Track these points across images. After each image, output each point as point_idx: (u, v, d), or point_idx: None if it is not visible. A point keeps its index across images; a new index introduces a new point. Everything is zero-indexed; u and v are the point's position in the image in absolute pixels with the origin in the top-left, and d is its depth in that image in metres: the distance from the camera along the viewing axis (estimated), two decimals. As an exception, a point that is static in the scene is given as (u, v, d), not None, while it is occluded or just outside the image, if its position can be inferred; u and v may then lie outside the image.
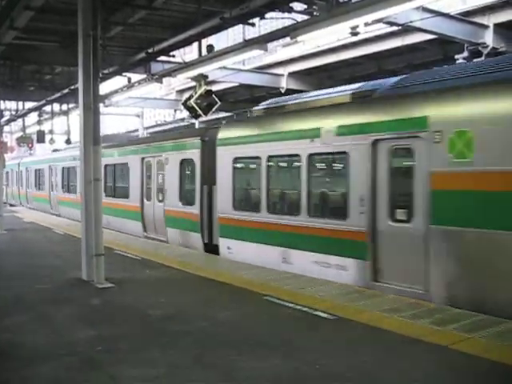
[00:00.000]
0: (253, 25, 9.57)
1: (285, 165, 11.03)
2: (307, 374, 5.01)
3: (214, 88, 21.67)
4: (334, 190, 9.81)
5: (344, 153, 8.91)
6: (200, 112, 10.88)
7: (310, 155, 9.55)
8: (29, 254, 12.87)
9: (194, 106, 10.77)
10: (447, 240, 7.32)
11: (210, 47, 10.40)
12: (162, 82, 13.17)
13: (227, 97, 24.58)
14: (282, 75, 21.45)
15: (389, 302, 7.55)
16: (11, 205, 30.52)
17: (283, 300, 7.70)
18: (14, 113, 21.78)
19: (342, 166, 9.39)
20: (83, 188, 8.88)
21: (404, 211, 8.05)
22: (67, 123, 22.23)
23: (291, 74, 21.48)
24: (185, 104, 11.07)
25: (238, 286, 8.73)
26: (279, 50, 20.44)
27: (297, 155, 9.78)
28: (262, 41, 9.61)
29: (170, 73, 12.02)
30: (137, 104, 24.95)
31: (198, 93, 10.80)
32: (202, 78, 10.96)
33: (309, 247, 9.65)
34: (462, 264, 7.20)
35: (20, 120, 22.98)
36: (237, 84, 22.18)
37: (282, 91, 21.26)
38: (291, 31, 9.02)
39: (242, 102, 25.33)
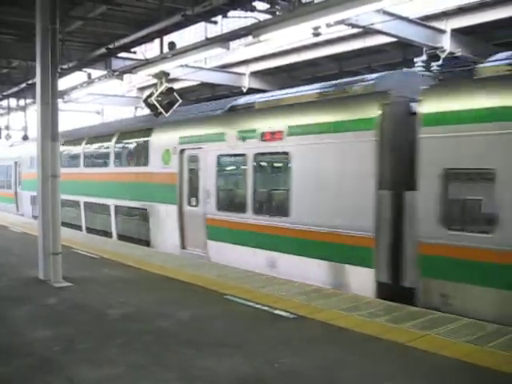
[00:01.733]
0: (215, 23, 9.55)
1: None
2: (267, 374, 5.02)
3: (176, 86, 21.43)
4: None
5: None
6: (161, 110, 10.78)
7: None
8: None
9: (155, 103, 10.66)
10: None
11: (172, 44, 10.32)
12: (122, 79, 12.99)
13: (188, 95, 24.43)
14: (244, 74, 21.45)
15: (347, 300, 7.65)
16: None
17: (243, 299, 7.71)
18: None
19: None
20: (40, 185, 8.69)
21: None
22: (24, 119, 21.73)
23: (253, 74, 21.51)
24: (146, 101, 10.96)
25: (198, 285, 8.70)
26: (241, 49, 20.39)
27: None
28: (224, 39, 9.59)
29: (130, 69, 11.88)
30: (96, 101, 24.49)
31: (159, 90, 10.69)
32: (163, 76, 10.87)
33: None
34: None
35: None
36: (198, 82, 22.07)
37: (244, 90, 21.27)
38: (254, 30, 9.03)
39: (204, 100, 25.22)
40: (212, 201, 11.75)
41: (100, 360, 5.35)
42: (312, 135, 9.54)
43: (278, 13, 10.45)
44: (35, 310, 7.39)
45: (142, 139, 14.74)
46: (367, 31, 14.74)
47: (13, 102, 21.19)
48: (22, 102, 21.42)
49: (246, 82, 21.31)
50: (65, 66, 12.48)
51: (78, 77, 17.41)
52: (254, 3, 9.56)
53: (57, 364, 5.27)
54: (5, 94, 19.36)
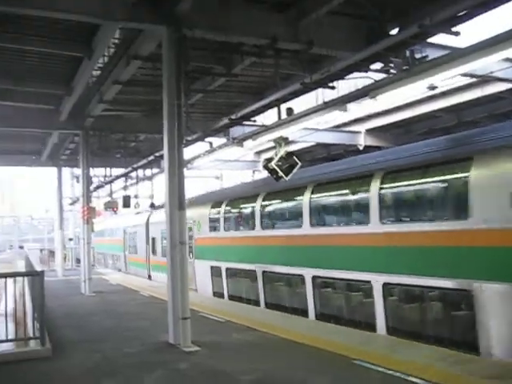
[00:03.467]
0: (333, 88, 9.70)
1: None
2: None
3: (292, 148, 22.03)
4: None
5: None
6: (281, 174, 11.00)
7: None
8: (116, 316, 13.18)
9: (276, 168, 10.91)
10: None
11: (290, 110, 10.61)
12: (242, 146, 13.50)
13: (304, 156, 24.71)
14: (360, 132, 21.49)
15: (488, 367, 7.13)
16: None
17: (374, 364, 7.44)
18: (102, 179, 22.92)
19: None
20: (169, 251, 9.09)
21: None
22: (151, 188, 23.08)
23: (368, 131, 21.49)
24: (266, 166, 11.23)
25: (326, 350, 8.52)
26: (355, 108, 20.50)
27: None
28: (342, 101, 9.70)
29: (250, 136, 12.32)
30: (216, 166, 25.60)
31: (279, 155, 10.95)
32: (282, 141, 11.15)
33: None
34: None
35: (106, 185, 24.05)
36: (314, 143, 22.37)
37: (361, 148, 21.26)
38: (370, 91, 9.07)
39: (320, 160, 25.48)
40: None
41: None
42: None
43: (391, 70, 10.48)
44: (167, 375, 7.56)
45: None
46: (485, 79, 14.32)
47: (140, 171, 22.65)
48: (148, 172, 22.83)
49: (362, 140, 21.32)
50: (189, 138, 13.16)
51: (200, 145, 18.39)
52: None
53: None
54: (135, 166, 20.69)
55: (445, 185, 9.99)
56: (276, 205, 14.93)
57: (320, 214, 12.83)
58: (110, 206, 21.96)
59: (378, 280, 10.41)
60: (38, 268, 10.09)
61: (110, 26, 10.21)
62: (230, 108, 17.24)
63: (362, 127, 21.49)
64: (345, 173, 12.17)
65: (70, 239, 42.31)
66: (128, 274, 27.82)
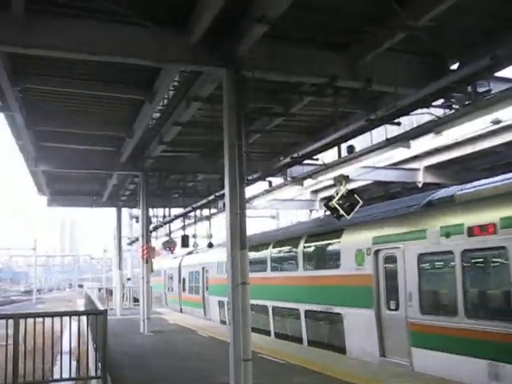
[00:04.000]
0: (398, 124, 9.54)
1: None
2: None
3: (348, 186, 21.88)
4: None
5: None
6: (342, 212, 10.85)
7: None
8: (176, 356, 13.14)
9: (337, 206, 10.77)
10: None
11: (351, 148, 10.51)
12: (302, 185, 13.45)
13: (361, 194, 24.42)
14: (418, 169, 21.08)
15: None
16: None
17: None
18: (160, 219, 23.24)
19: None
20: (231, 292, 9.00)
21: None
22: (209, 228, 23.25)
23: (426, 168, 21.06)
24: (327, 205, 11.12)
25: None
26: (413, 144, 20.18)
27: None
28: (406, 138, 9.54)
29: (310, 175, 12.26)
30: (273, 206, 25.59)
31: (340, 193, 10.83)
32: (343, 179, 11.03)
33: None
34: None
35: (165, 225, 24.35)
36: (371, 181, 22.07)
37: (420, 185, 20.82)
38: (434, 127, 8.89)
39: (377, 199, 25.10)
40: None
41: None
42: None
43: (454, 106, 10.28)
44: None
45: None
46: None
47: (198, 211, 22.84)
48: (206, 212, 23.00)
49: (421, 177, 20.88)
50: (249, 177, 13.21)
51: (256, 185, 18.48)
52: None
53: None
54: (194, 206, 20.90)
55: (330, 246, 14.83)
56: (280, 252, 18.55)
57: (275, 262, 18.20)
58: (169, 245, 22.18)
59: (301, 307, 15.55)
60: (101, 307, 10.17)
61: (172, 69, 10.49)
62: (286, 147, 17.34)
63: (420, 164, 21.09)
64: (286, 235, 18.40)
65: (128, 279, 42.89)
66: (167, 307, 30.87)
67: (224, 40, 9.12)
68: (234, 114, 9.33)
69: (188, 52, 9.31)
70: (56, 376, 9.13)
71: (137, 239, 32.89)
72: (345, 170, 11.02)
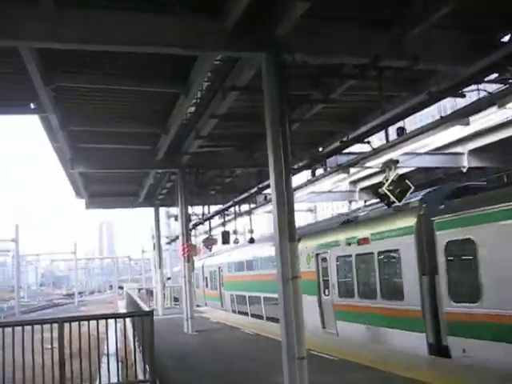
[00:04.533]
0: (463, 96, 8.83)
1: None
2: None
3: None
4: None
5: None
6: (393, 198, 10.28)
7: None
8: (224, 356, 12.78)
9: (387, 193, 10.20)
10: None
11: (401, 130, 9.91)
12: (348, 173, 12.90)
13: (403, 182, 23.74)
14: (462, 154, 20.23)
15: None
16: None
17: None
18: (200, 217, 22.89)
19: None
20: (281, 287, 8.54)
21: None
22: (250, 223, 22.85)
23: (471, 152, 20.21)
24: (377, 192, 10.56)
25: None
26: (458, 128, 19.34)
27: None
28: (464, 114, 8.89)
29: (357, 162, 11.68)
30: (311, 199, 25.03)
31: (390, 179, 10.25)
32: (392, 164, 10.46)
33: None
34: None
35: (205, 222, 23.96)
36: (413, 168, 21.29)
37: (464, 170, 20.00)
38: (498, 99, 8.24)
39: (418, 187, 24.31)
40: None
41: None
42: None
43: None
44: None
45: None
46: None
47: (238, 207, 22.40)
48: (244, 207, 22.56)
49: (466, 162, 20.04)
50: (295, 166, 12.67)
51: (296, 177, 17.97)
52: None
53: None
54: (235, 200, 20.52)
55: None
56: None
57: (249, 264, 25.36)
58: (209, 243, 21.81)
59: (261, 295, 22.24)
60: (146, 308, 9.80)
61: (207, 57, 10.07)
62: (325, 137, 16.77)
63: (464, 148, 20.26)
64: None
65: (168, 278, 42.89)
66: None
67: (262, 23, 8.63)
68: (275, 100, 8.86)
69: (225, 38, 8.86)
70: (104, 380, 8.85)
71: (176, 238, 32.83)
72: (387, 157, 10.42)
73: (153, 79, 11.64)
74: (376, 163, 11.09)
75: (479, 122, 18.59)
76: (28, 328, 7.99)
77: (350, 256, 14.48)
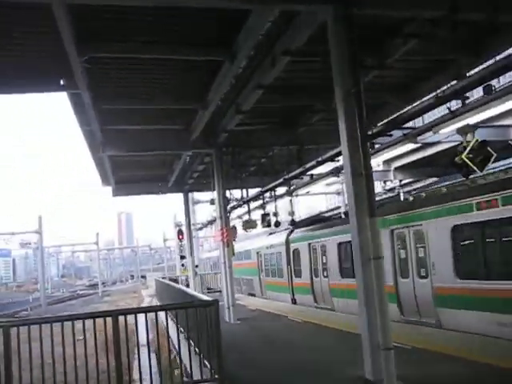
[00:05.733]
0: None
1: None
2: None
3: (435, 149, 19.94)
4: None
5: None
6: (474, 167, 9.18)
7: None
8: (279, 347, 11.80)
9: (467, 161, 9.09)
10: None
11: (489, 87, 8.75)
12: (416, 142, 11.73)
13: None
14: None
15: None
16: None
17: None
18: (235, 201, 21.75)
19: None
20: (359, 268, 7.53)
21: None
22: (290, 205, 21.79)
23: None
24: (453, 161, 9.44)
25: None
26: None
27: None
28: None
29: (430, 128, 10.54)
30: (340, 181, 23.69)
31: (470, 146, 9.14)
32: (470, 130, 9.34)
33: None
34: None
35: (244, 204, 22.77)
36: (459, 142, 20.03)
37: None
38: None
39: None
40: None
41: None
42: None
43: None
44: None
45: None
46: None
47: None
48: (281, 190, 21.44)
49: (515, 134, 18.69)
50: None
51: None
52: None
53: None
54: (276, 183, 19.42)
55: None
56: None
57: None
58: (250, 226, 20.76)
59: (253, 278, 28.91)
60: (205, 297, 8.70)
61: (263, 13, 8.95)
62: (376, 110, 15.50)
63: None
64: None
65: (196, 266, 42.07)
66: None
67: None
68: (345, 58, 7.82)
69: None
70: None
71: (209, 222, 31.83)
72: (480, 117, 9.33)
73: (193, 46, 10.54)
74: (453, 128, 9.91)
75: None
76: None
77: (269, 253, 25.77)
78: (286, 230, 23.82)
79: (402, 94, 14.04)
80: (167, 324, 8.79)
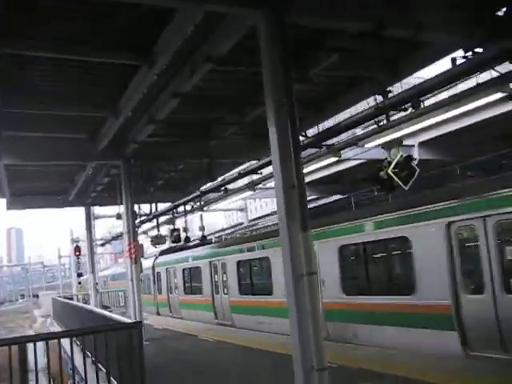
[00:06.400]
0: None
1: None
2: None
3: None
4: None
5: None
6: (399, 182, 9.14)
7: None
8: (198, 371, 10.96)
9: (392, 175, 9.03)
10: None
11: (417, 101, 8.70)
12: (340, 156, 11.60)
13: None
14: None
15: None
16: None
17: None
18: (146, 216, 20.86)
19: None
20: (292, 285, 7.15)
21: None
22: (201, 221, 21.24)
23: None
24: (377, 176, 9.38)
25: None
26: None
27: None
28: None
29: (356, 142, 10.46)
30: (256, 195, 23.63)
31: (395, 160, 9.11)
32: (397, 144, 9.34)
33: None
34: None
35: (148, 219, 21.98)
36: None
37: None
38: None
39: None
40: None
41: None
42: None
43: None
44: None
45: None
46: None
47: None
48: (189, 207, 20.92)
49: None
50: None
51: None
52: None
53: None
54: (186, 199, 18.74)
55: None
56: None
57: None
58: (158, 241, 19.96)
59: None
60: (123, 318, 7.90)
61: (186, 18, 8.43)
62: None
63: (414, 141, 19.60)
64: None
65: (96, 283, 40.30)
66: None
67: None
68: (278, 66, 7.50)
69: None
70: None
71: (113, 238, 30.49)
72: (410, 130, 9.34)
73: (109, 49, 9.81)
74: (381, 141, 9.87)
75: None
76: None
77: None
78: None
79: (318, 110, 13.98)
80: (72, 350, 7.84)
